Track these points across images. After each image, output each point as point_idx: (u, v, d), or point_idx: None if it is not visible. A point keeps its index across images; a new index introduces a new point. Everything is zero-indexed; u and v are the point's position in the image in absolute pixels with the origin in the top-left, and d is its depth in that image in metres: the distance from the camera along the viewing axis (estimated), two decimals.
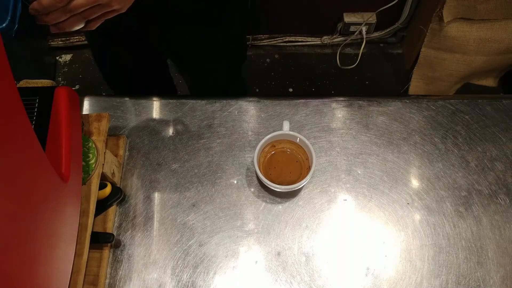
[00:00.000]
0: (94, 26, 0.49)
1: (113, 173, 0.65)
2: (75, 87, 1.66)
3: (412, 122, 0.73)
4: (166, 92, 1.07)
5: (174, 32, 0.77)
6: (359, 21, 1.57)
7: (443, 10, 1.17)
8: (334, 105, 0.75)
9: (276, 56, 1.72)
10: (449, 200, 0.67)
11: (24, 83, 0.62)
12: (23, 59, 1.46)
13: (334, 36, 1.68)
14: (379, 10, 1.50)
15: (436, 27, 1.24)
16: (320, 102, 0.76)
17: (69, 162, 0.49)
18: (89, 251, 0.55)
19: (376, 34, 1.67)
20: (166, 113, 0.75)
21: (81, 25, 0.47)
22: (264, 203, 0.67)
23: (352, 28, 1.61)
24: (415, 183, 0.68)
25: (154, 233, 0.65)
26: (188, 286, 0.61)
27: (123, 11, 0.49)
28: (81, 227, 0.55)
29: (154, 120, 0.74)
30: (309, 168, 0.64)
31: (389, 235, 0.64)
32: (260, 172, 0.63)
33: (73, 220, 0.50)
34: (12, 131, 0.34)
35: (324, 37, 1.69)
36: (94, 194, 0.58)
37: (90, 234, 0.56)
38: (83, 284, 0.55)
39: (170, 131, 0.73)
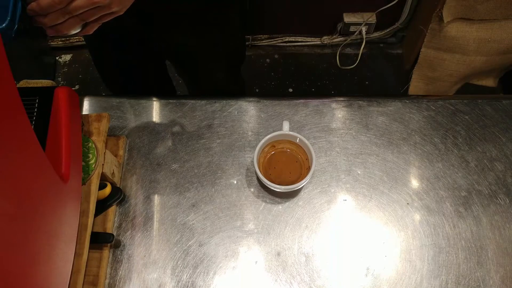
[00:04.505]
0: (91, 30, 0.48)
1: (113, 173, 0.65)
2: (75, 87, 1.67)
3: (412, 122, 0.73)
4: (165, 93, 1.07)
5: (172, 33, 0.77)
6: (359, 21, 1.57)
7: (443, 10, 1.17)
8: (334, 105, 0.75)
9: (276, 56, 1.72)
10: (449, 200, 0.67)
11: (24, 83, 0.62)
12: (23, 59, 1.46)
13: (334, 36, 1.68)
14: (379, 10, 1.50)
15: (436, 27, 1.24)
16: (320, 102, 0.76)
17: (69, 162, 0.49)
18: (89, 251, 0.55)
19: (376, 34, 1.67)
20: (166, 113, 0.75)
21: (79, 29, 0.47)
22: (264, 203, 0.67)
23: (352, 28, 1.61)
24: (415, 183, 0.68)
25: (154, 233, 0.65)
26: (188, 286, 0.61)
27: (121, 13, 0.48)
28: (81, 227, 0.55)
29: (154, 120, 0.74)
30: (309, 168, 0.64)
31: (389, 235, 0.64)
32: (260, 172, 0.63)
33: (73, 220, 0.50)
34: (12, 131, 0.34)
35: (324, 37, 1.69)
36: (94, 194, 0.58)
37: (90, 234, 0.56)
38: (83, 284, 0.55)
39: (170, 131, 0.73)
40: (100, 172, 0.60)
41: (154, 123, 0.74)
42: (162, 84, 1.04)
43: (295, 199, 0.67)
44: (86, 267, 0.55)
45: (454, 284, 0.61)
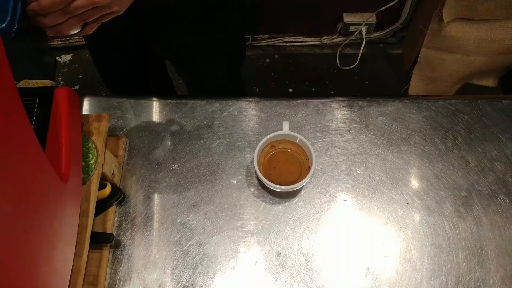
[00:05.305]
0: (91, 30, 0.48)
1: (113, 173, 0.65)
2: (75, 87, 1.67)
3: (412, 122, 0.73)
4: (165, 93, 1.07)
5: (172, 33, 0.77)
6: (359, 21, 1.57)
7: (443, 10, 1.17)
8: (334, 105, 0.75)
9: (276, 56, 1.72)
10: (449, 200, 0.67)
11: (24, 83, 0.62)
12: (23, 59, 1.46)
13: (334, 36, 1.68)
14: (379, 10, 1.50)
15: (436, 27, 1.24)
16: (320, 102, 0.76)
17: (69, 162, 0.49)
18: (89, 251, 0.55)
19: (376, 34, 1.67)
20: (166, 113, 0.75)
21: (78, 29, 0.47)
22: (264, 203, 0.67)
23: (352, 28, 1.61)
24: (415, 183, 0.68)
25: (154, 233, 0.65)
26: (188, 286, 0.61)
27: (121, 13, 0.48)
28: (81, 227, 0.55)
29: (154, 120, 0.74)
30: (309, 168, 0.64)
31: (389, 235, 0.64)
32: (260, 172, 0.63)
33: (73, 220, 0.50)
34: (12, 131, 0.34)
35: (324, 37, 1.69)
36: (94, 194, 0.58)
37: (90, 234, 0.56)
38: (83, 284, 0.55)
39: (170, 131, 0.73)
40: (100, 172, 0.60)
41: (154, 123, 0.74)
42: (162, 84, 1.05)
43: (295, 199, 0.67)
44: (86, 267, 0.55)
45: (454, 284, 0.61)
